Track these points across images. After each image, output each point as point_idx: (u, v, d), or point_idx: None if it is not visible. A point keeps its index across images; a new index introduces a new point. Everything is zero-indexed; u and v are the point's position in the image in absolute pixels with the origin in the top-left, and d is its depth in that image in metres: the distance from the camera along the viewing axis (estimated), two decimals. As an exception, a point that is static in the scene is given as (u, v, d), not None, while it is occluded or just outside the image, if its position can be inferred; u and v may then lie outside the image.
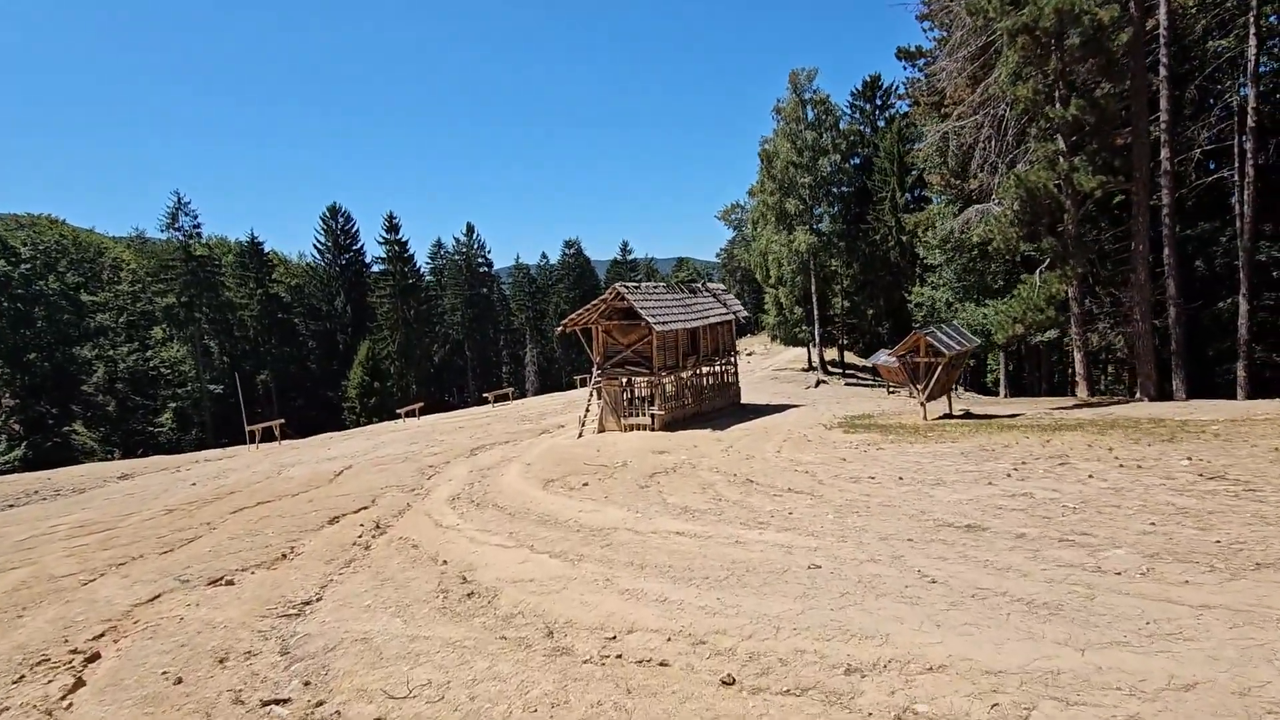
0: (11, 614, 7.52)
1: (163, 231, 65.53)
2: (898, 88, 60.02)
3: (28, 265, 52.48)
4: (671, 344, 22.36)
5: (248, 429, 31.94)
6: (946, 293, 34.92)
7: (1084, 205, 21.99)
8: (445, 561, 8.53)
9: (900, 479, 11.14)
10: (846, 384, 48.35)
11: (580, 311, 22.17)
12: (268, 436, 31.71)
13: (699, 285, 26.56)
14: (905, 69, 36.79)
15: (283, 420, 32.96)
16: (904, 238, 51.23)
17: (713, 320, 24.52)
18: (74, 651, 6.29)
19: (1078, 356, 25.16)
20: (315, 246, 78.66)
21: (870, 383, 49.68)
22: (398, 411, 40.49)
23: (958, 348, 19.14)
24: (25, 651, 6.35)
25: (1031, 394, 39.95)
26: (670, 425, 21.68)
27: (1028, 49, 19.32)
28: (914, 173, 52.19)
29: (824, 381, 46.99)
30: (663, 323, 20.83)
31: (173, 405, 65.70)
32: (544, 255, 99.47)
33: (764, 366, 63.17)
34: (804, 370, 56.77)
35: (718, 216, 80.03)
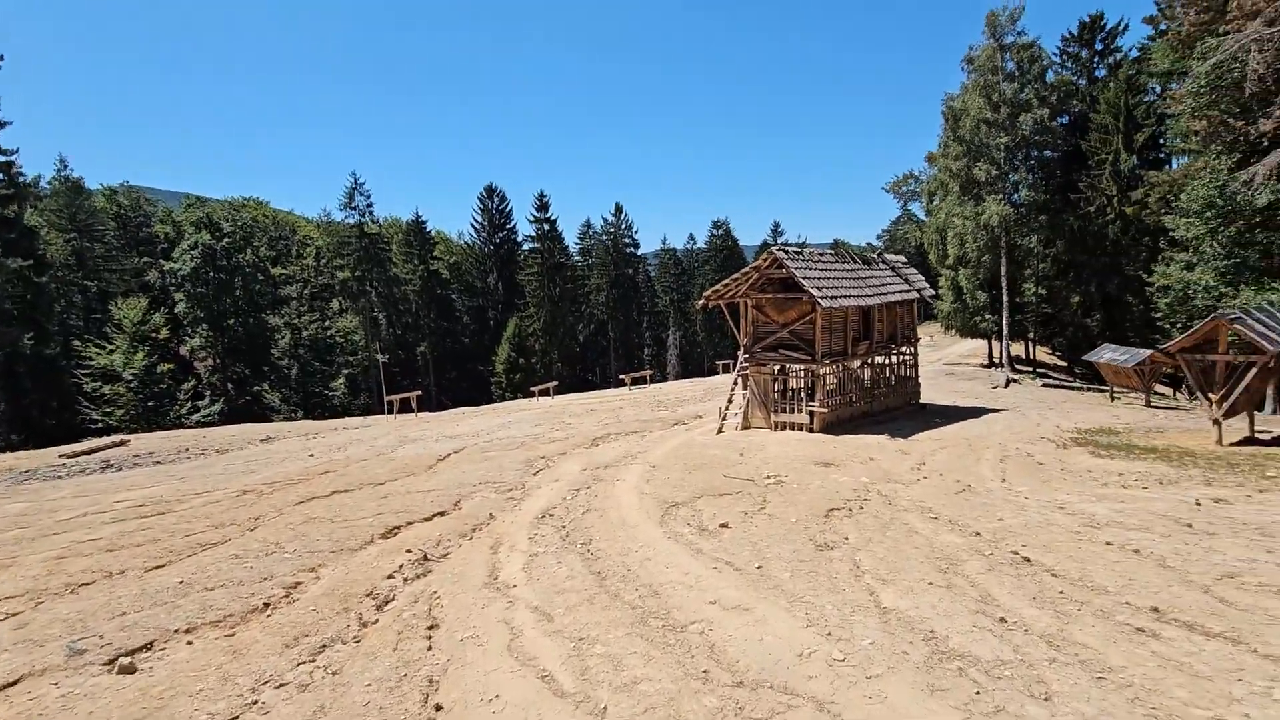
0: None
1: (341, 210, 70.61)
2: (1126, 25, 49.29)
3: (228, 240, 58.32)
4: (839, 324, 17.99)
5: (386, 399, 32.00)
6: (1207, 273, 26.74)
7: None
8: (438, 710, 4.97)
9: None
10: (1044, 385, 40.33)
11: (727, 281, 18.43)
12: (405, 408, 31.52)
13: (874, 256, 21.71)
14: (1162, -17, 28.48)
15: (419, 393, 32.70)
16: (1129, 209, 41.82)
17: (891, 298, 19.71)
18: None
19: None
20: (472, 225, 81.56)
21: (1075, 385, 41.17)
22: (531, 390, 39.39)
23: (1287, 343, 12.96)
24: None
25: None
26: (832, 426, 17.42)
27: None
28: (1146, 130, 42.39)
29: (1014, 380, 39.40)
30: (830, 297, 16.55)
31: (345, 372, 70.91)
32: (691, 237, 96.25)
33: (933, 360, 55.28)
34: (984, 366, 48.93)
35: (886, 189, 71.88)
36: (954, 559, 7.01)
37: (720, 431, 17.90)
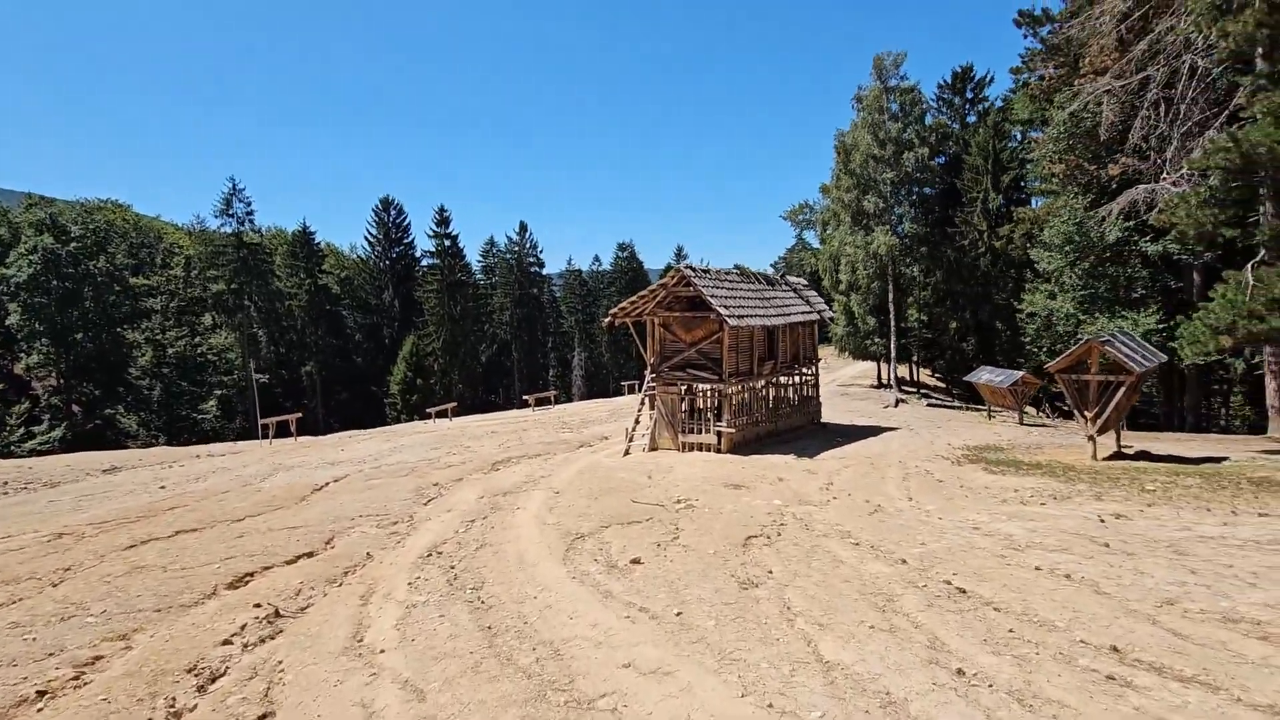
0: None
1: (216, 217, 64.92)
2: (992, 77, 54.30)
3: (77, 244, 51.81)
4: (746, 344, 17.93)
5: (261, 422, 29.02)
6: (1068, 302, 29.31)
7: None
8: None
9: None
10: (929, 405, 42.79)
11: (634, 299, 17.98)
12: (283, 431, 28.70)
13: (778, 277, 22.05)
14: (1025, 38, 31.39)
15: (299, 415, 29.94)
16: (998, 243, 45.82)
17: (795, 319, 19.98)
18: None
19: (1273, 385, 19.47)
20: (366, 239, 77.50)
21: (955, 404, 44.03)
22: (428, 411, 37.22)
23: (1147, 364, 14.06)
24: None
25: (1160, 428, 33.68)
26: (740, 447, 17.25)
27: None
28: (1011, 172, 46.61)
29: (903, 400, 41.60)
30: (737, 316, 16.45)
31: (218, 393, 64.57)
32: (596, 258, 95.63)
33: (827, 381, 57.68)
34: (874, 387, 51.47)
35: (784, 217, 75.17)
36: (888, 593, 6.50)
37: (627, 453, 17.28)
